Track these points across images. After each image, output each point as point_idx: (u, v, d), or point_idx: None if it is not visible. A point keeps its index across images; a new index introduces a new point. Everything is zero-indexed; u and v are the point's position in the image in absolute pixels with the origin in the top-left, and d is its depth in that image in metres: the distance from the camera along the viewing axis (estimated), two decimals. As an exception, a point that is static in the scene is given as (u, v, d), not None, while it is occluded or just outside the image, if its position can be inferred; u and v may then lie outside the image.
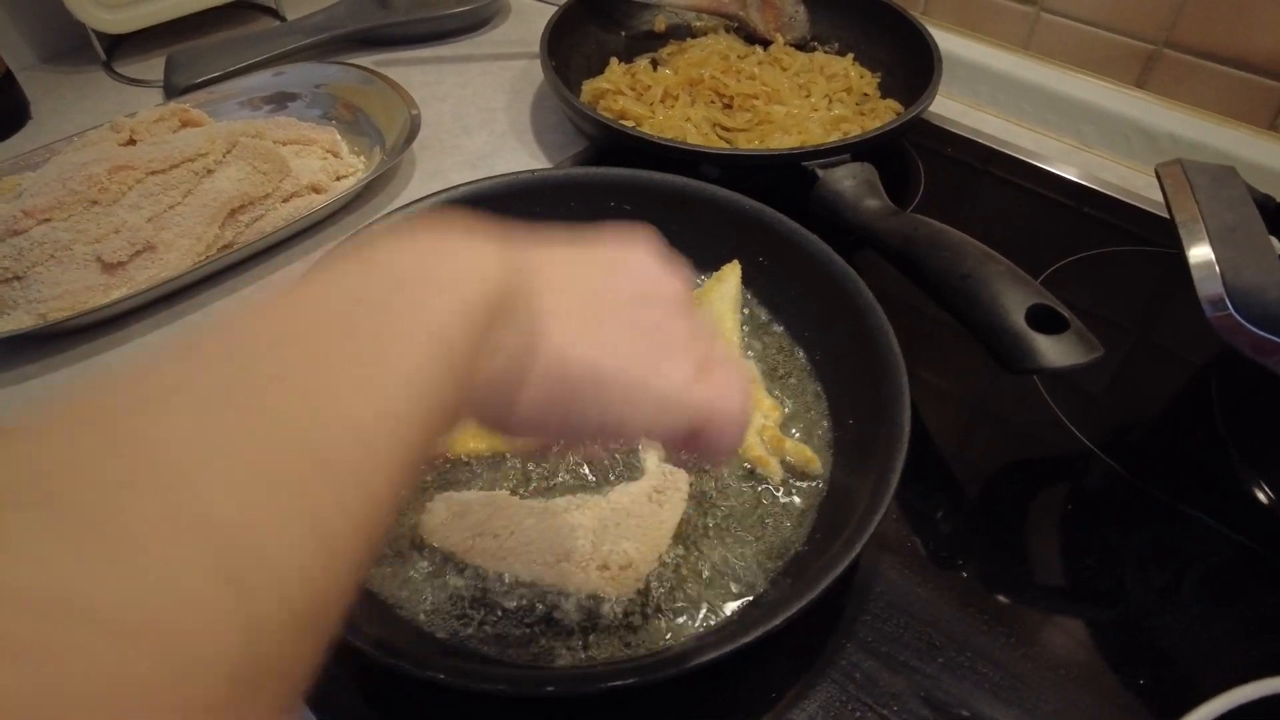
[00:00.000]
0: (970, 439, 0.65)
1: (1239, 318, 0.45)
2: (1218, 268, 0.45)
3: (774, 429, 0.58)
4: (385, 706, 0.49)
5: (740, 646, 0.41)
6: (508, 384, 0.30)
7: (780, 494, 0.56)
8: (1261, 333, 0.45)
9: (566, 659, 0.48)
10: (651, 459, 0.57)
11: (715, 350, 0.37)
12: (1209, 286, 0.45)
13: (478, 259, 0.29)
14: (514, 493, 0.56)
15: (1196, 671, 0.51)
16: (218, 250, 0.74)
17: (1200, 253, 0.46)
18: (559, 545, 0.52)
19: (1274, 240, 0.58)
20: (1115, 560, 0.56)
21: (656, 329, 0.35)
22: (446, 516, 0.53)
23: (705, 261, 0.70)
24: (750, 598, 0.50)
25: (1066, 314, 0.52)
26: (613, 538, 0.52)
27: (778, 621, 0.42)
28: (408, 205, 0.67)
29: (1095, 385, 0.68)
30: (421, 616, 0.49)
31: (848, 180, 0.70)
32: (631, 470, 0.57)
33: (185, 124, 0.82)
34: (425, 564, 0.52)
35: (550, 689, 0.40)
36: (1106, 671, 0.51)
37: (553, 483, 0.56)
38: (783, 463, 0.57)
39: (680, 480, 0.56)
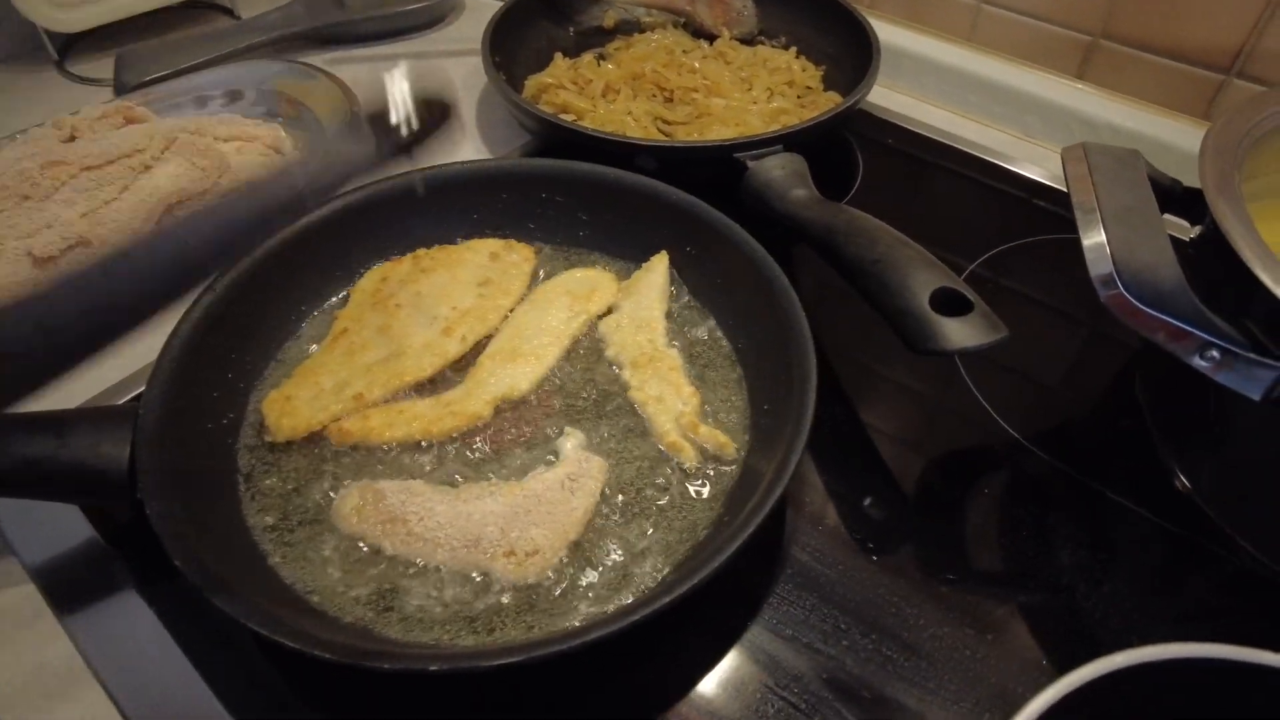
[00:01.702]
0: (900, 428, 0.65)
1: (1129, 296, 0.45)
2: (1109, 248, 0.46)
3: (691, 415, 0.58)
4: (308, 695, 0.49)
5: (626, 626, 0.42)
6: None
7: (694, 478, 0.56)
8: (1151, 311, 0.45)
9: (470, 642, 0.48)
10: (569, 445, 0.58)
11: None
12: (1100, 267, 0.46)
13: None
14: (429, 479, 0.56)
15: (1110, 649, 0.51)
16: (154, 245, 0.74)
17: (1094, 234, 0.47)
18: (468, 532, 0.52)
19: (1183, 222, 0.59)
20: (1031, 544, 0.57)
21: None
22: (359, 503, 0.54)
23: (636, 252, 0.70)
24: (656, 581, 0.50)
25: (972, 297, 0.53)
26: (522, 524, 0.52)
27: (666, 601, 0.43)
28: (343, 194, 0.67)
29: (1021, 370, 0.69)
30: (327, 600, 0.49)
31: (777, 171, 0.70)
32: (550, 456, 0.57)
33: (129, 121, 0.83)
34: (334, 550, 0.52)
35: (435, 667, 0.40)
36: (1016, 651, 0.52)
37: (470, 469, 0.57)
38: (699, 448, 0.57)
39: (595, 468, 0.56)
